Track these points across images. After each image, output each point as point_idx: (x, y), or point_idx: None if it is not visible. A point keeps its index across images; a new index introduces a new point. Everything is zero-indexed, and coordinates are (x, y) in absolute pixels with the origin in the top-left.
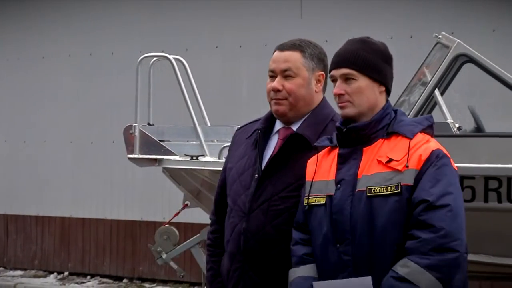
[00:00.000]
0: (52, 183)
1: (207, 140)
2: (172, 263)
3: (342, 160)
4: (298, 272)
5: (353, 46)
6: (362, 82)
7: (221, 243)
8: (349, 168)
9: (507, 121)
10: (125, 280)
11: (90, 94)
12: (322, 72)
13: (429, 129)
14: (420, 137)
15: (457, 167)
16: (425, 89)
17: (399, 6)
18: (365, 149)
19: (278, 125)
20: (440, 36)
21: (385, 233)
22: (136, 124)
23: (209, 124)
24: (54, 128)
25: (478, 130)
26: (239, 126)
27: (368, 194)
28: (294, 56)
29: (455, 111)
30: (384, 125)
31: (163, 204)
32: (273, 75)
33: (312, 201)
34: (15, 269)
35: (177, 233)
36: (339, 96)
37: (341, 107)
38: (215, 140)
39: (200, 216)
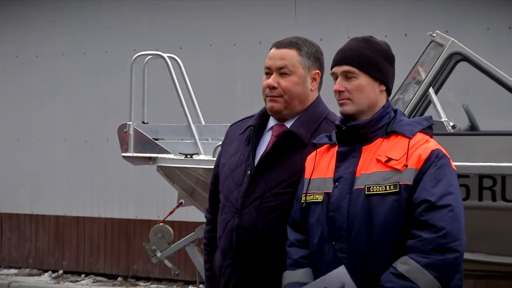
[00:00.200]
0: (47, 182)
1: (201, 138)
2: (166, 262)
3: (341, 158)
4: (292, 276)
5: (356, 44)
6: (363, 80)
7: None
8: (348, 166)
9: (501, 120)
10: (119, 279)
11: (84, 93)
12: (318, 71)
13: (429, 129)
14: (420, 137)
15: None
16: (419, 88)
17: (393, 5)
18: (364, 147)
19: (272, 122)
20: (434, 35)
21: (382, 232)
22: (130, 123)
23: (203, 123)
24: (48, 127)
25: (472, 129)
26: (233, 123)
27: (366, 192)
28: (291, 54)
29: (449, 110)
30: (383, 124)
31: (158, 203)
32: (269, 72)
33: (309, 198)
34: (10, 267)
35: (172, 232)
36: (339, 93)
37: (341, 104)
38: (210, 139)
39: (195, 214)
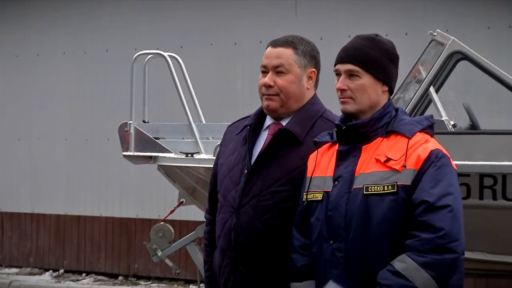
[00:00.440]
0: (47, 181)
1: (202, 137)
2: (167, 261)
3: (340, 157)
4: None
5: (361, 42)
6: (366, 80)
7: None
8: (347, 166)
9: (501, 118)
10: (120, 278)
11: (85, 92)
12: (314, 69)
13: (429, 129)
14: (419, 136)
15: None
16: (420, 86)
17: (394, 4)
18: (364, 147)
19: (269, 121)
20: (435, 34)
21: (380, 232)
22: (131, 122)
23: (204, 122)
24: (49, 126)
25: (473, 128)
26: (231, 123)
27: (364, 192)
28: (287, 53)
29: (450, 109)
30: (384, 123)
31: (158, 202)
32: (265, 71)
33: (310, 197)
34: (10, 266)
35: (173, 231)
36: (341, 91)
37: (342, 102)
38: (210, 138)
39: (195, 213)
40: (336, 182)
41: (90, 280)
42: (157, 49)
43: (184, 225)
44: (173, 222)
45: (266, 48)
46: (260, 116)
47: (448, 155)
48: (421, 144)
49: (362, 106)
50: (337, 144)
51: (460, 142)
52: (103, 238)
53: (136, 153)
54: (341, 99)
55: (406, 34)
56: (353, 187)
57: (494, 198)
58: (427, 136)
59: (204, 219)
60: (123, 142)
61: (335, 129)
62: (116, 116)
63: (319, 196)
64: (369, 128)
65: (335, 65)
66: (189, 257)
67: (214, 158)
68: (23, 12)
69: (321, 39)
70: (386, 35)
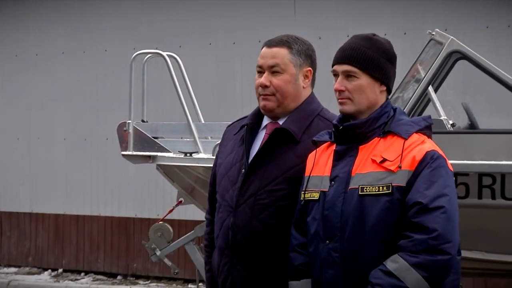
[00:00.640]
0: (46, 180)
1: (201, 137)
2: (166, 260)
3: (337, 157)
4: None
5: (358, 42)
6: (363, 80)
7: None
8: (344, 166)
9: (500, 118)
10: (119, 277)
11: (84, 92)
12: (310, 68)
13: (426, 129)
14: (415, 137)
15: (451, 164)
16: (418, 86)
17: (392, 3)
18: (361, 147)
19: (266, 120)
20: (434, 33)
21: (374, 232)
22: (130, 121)
23: (203, 121)
24: (48, 125)
25: (472, 127)
26: (230, 123)
27: (360, 192)
28: (282, 52)
29: (448, 108)
30: (381, 123)
31: (157, 201)
32: (261, 71)
33: (307, 196)
34: (9, 266)
35: (171, 230)
36: (339, 92)
37: (341, 103)
38: (209, 137)
39: (194, 213)
40: (333, 182)
41: (89, 280)
42: (156, 48)
43: (183, 225)
44: (172, 222)
45: (262, 48)
46: (257, 116)
47: (445, 156)
48: (417, 145)
49: (360, 106)
50: (335, 144)
51: (459, 142)
52: (102, 238)
53: (135, 153)
54: (339, 100)
55: (405, 33)
56: (349, 187)
57: (493, 197)
58: (423, 137)
59: (203, 219)
60: (122, 142)
61: (329, 127)
62: (115, 116)
63: (316, 196)
64: (366, 128)
65: (332, 66)
66: (188, 256)
67: (213, 157)
68: (22, 12)
69: (320, 38)
70: (385, 34)
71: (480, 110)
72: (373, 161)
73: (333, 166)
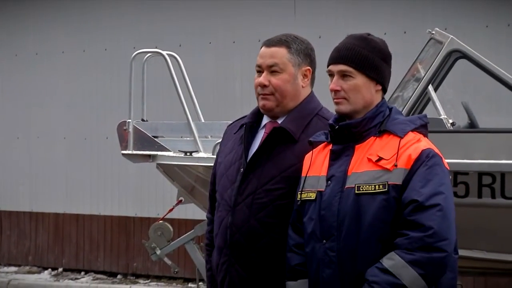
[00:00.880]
0: (46, 179)
1: (201, 136)
2: (166, 259)
3: (334, 157)
4: None
5: (353, 42)
6: (359, 80)
7: None
8: (340, 165)
9: (500, 117)
10: (119, 276)
11: (84, 91)
12: (309, 67)
13: (422, 128)
14: (411, 136)
15: (451, 163)
16: (418, 85)
17: (392, 3)
18: (357, 146)
19: (265, 119)
20: (433, 32)
21: (371, 231)
22: (130, 120)
23: (203, 120)
24: (47, 124)
25: (472, 126)
26: (230, 122)
27: (356, 191)
28: (280, 52)
29: (448, 107)
30: (377, 123)
31: (157, 200)
32: (260, 71)
33: (304, 196)
34: (9, 265)
35: (171, 229)
36: (335, 92)
37: (336, 103)
38: (209, 136)
39: (194, 212)
40: (329, 182)
41: (89, 279)
42: (156, 47)
43: (183, 224)
44: (172, 221)
45: (261, 48)
46: (257, 115)
47: (440, 155)
48: (413, 144)
49: (356, 106)
50: (331, 144)
51: (458, 141)
52: (102, 237)
53: (135, 152)
54: (335, 100)
55: (405, 32)
56: (346, 187)
57: (493, 196)
58: (419, 136)
59: (203, 218)
60: (122, 141)
61: (327, 127)
62: (114, 115)
63: (312, 196)
64: (361, 127)
65: (327, 66)
66: (188, 255)
67: (213, 156)
68: (22, 12)
69: (320, 37)
70: (385, 34)
71: (480, 109)
72: (369, 160)
73: (330, 165)
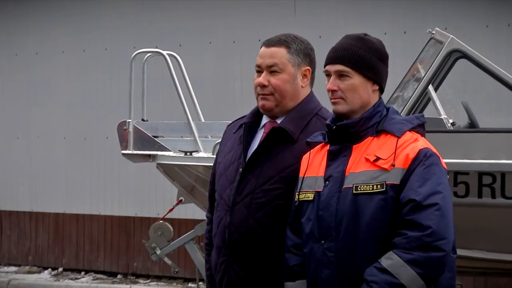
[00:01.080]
0: (46, 179)
1: (201, 136)
2: (166, 259)
3: (331, 157)
4: None
5: (350, 42)
6: (356, 80)
7: None
8: (338, 165)
9: (500, 117)
10: (119, 276)
11: (84, 90)
12: (308, 67)
13: (419, 128)
14: (409, 135)
15: (451, 163)
16: (418, 85)
17: (392, 3)
18: (354, 146)
19: (265, 119)
20: (433, 32)
21: (369, 231)
22: (130, 120)
23: (203, 120)
24: (47, 124)
25: (472, 126)
26: (230, 122)
27: (354, 191)
28: (280, 52)
29: (449, 107)
30: (374, 122)
31: (157, 200)
32: (259, 71)
33: (302, 197)
34: (9, 265)
35: (171, 229)
36: (332, 92)
37: (334, 103)
38: (209, 136)
39: (194, 212)
40: (327, 182)
41: (89, 279)
42: (156, 47)
43: (183, 224)
44: (172, 221)
45: (260, 47)
46: (256, 115)
47: (438, 154)
48: (410, 143)
49: (353, 106)
50: (329, 144)
51: (459, 141)
52: (102, 237)
53: (135, 152)
54: (332, 100)
55: (405, 32)
56: (344, 187)
57: (493, 196)
58: (416, 135)
59: (203, 218)
60: (122, 141)
61: (325, 128)
62: (115, 115)
63: (310, 196)
64: (359, 127)
65: (324, 66)
66: (188, 255)
67: (213, 156)
68: (22, 12)
69: (320, 37)
70: (385, 34)
71: (480, 109)
72: (367, 160)
73: (327, 166)
